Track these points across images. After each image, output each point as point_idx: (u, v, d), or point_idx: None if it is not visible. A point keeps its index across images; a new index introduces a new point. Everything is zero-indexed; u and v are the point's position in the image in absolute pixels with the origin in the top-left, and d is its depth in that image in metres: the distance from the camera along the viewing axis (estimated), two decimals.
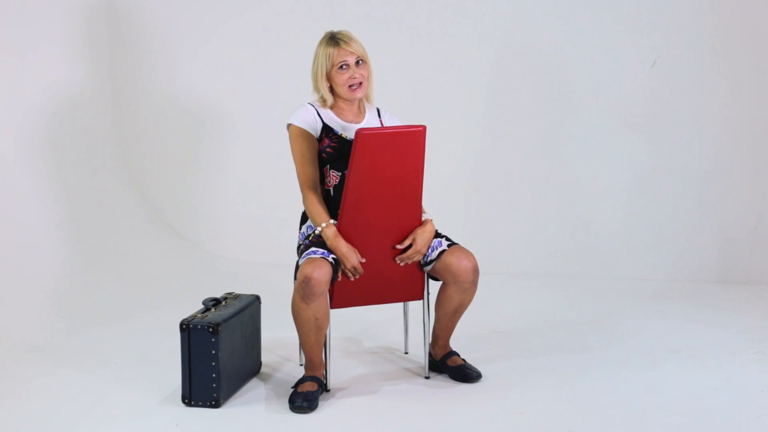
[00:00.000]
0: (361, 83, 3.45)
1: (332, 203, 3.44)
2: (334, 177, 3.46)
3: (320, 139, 3.48)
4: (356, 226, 3.32)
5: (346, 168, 3.41)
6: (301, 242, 3.52)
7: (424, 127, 3.27)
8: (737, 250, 5.06)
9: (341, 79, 3.43)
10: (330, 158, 3.46)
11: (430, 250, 3.43)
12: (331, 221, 3.35)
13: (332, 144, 3.45)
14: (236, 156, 5.60)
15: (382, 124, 3.58)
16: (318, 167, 3.48)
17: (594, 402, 3.28)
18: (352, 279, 3.35)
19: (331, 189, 3.46)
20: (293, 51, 5.39)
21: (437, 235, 3.47)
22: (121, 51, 5.58)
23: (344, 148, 3.43)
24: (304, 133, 3.46)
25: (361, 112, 3.56)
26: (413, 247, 3.37)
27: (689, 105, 5.11)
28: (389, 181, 3.28)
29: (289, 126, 3.49)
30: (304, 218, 3.55)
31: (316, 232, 3.37)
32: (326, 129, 3.48)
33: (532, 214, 5.34)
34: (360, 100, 3.55)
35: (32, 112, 4.91)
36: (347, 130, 3.48)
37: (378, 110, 3.63)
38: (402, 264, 3.40)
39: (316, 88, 3.50)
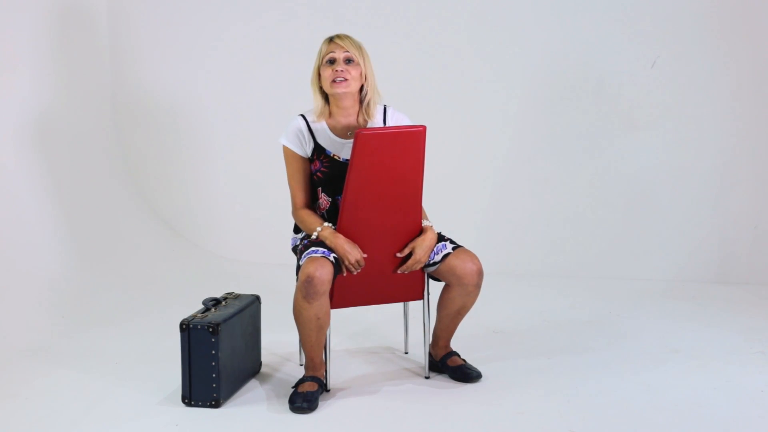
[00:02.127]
0: (346, 79, 3.35)
1: (333, 221, 3.39)
2: (325, 201, 3.43)
3: (312, 160, 3.44)
4: (356, 226, 3.31)
5: (338, 193, 3.36)
6: (297, 245, 3.51)
7: (424, 128, 3.27)
8: (737, 250, 5.06)
9: (326, 73, 3.37)
10: (321, 182, 3.42)
11: (433, 254, 3.41)
12: (326, 224, 3.35)
13: (323, 168, 3.40)
14: (236, 156, 5.60)
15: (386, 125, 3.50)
16: (309, 189, 3.46)
17: (594, 402, 3.28)
18: (355, 273, 3.33)
19: (324, 213, 3.44)
20: (294, 53, 5.39)
21: (441, 238, 3.46)
22: (121, 52, 5.58)
23: (336, 171, 3.38)
24: (295, 156, 3.43)
25: (358, 124, 3.45)
26: (413, 257, 3.36)
27: (689, 105, 5.11)
28: (389, 182, 3.27)
29: (282, 144, 3.45)
30: (297, 226, 3.54)
31: (313, 237, 3.36)
32: (318, 149, 3.42)
33: (532, 214, 5.34)
34: (359, 111, 3.46)
35: (31, 113, 4.91)
36: (341, 148, 3.41)
37: (385, 108, 3.53)
38: (404, 272, 3.39)
39: (313, 91, 3.45)
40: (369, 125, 3.47)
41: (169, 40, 5.58)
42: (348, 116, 3.45)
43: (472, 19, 5.31)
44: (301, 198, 3.45)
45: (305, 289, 3.19)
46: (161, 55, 5.59)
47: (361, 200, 3.28)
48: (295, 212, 3.46)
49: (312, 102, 3.48)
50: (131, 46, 5.59)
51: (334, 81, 3.35)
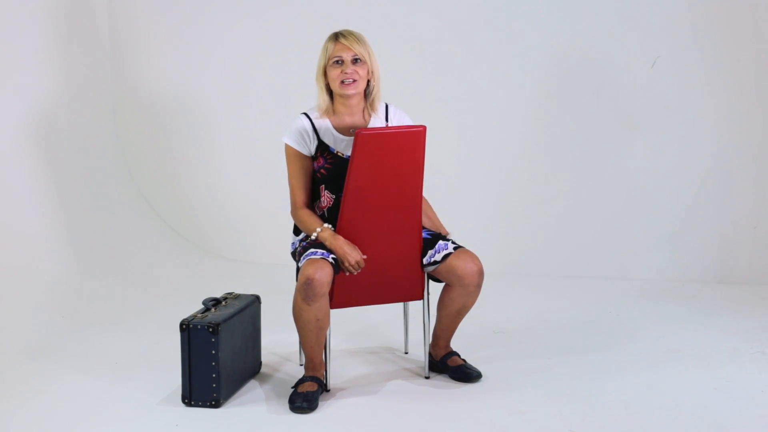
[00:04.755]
0: (355, 81, 3.36)
1: (333, 222, 3.39)
2: (328, 198, 3.41)
3: (315, 158, 3.43)
4: (356, 226, 3.31)
5: (341, 191, 3.34)
6: (296, 248, 3.50)
7: (424, 128, 3.27)
8: (737, 250, 5.06)
9: (334, 73, 3.35)
10: (324, 179, 3.41)
11: (434, 252, 3.41)
12: (326, 225, 3.34)
13: (327, 165, 3.40)
14: (237, 156, 5.60)
15: (387, 125, 3.49)
16: (310, 188, 3.45)
17: (594, 402, 3.28)
18: (356, 273, 3.33)
19: (325, 211, 3.43)
20: (295, 51, 5.40)
21: (443, 238, 3.46)
22: (121, 51, 5.58)
23: (340, 167, 3.37)
24: (298, 155, 3.41)
25: (364, 120, 3.46)
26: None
27: (689, 105, 5.11)
28: (389, 181, 3.27)
29: (285, 143, 3.44)
30: (297, 227, 3.54)
31: (312, 237, 3.36)
32: (321, 147, 3.41)
33: (531, 214, 5.34)
34: (364, 108, 3.46)
35: (32, 113, 4.91)
36: (345, 146, 3.40)
37: (387, 106, 3.53)
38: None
39: (319, 88, 3.42)
40: (372, 120, 3.47)
41: (170, 38, 5.58)
42: (353, 114, 3.45)
43: (473, 19, 5.31)
44: (301, 197, 3.44)
45: (305, 290, 3.19)
46: (162, 55, 5.59)
47: (361, 200, 3.27)
48: (294, 212, 3.45)
49: (314, 98, 3.47)
50: (132, 45, 5.59)
51: (342, 82, 3.35)
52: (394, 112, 3.52)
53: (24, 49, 4.88)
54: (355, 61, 3.36)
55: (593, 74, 5.20)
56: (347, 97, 3.39)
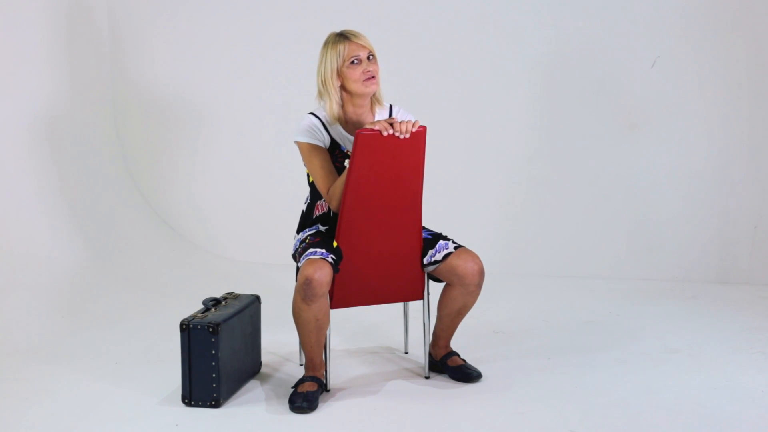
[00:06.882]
0: (374, 77, 3.35)
1: (335, 222, 3.40)
2: None
3: None
4: (356, 226, 3.31)
5: None
6: (297, 249, 3.50)
7: (425, 128, 3.27)
8: (737, 250, 5.06)
9: (354, 74, 3.33)
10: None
11: (434, 252, 3.42)
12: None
13: (336, 163, 3.40)
14: (237, 156, 5.60)
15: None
16: (336, 174, 3.39)
17: (594, 402, 3.28)
18: (407, 134, 3.19)
19: (328, 210, 3.44)
20: (295, 51, 5.40)
21: (443, 237, 3.47)
22: (121, 51, 5.58)
23: None
24: (315, 148, 3.37)
25: (372, 115, 3.46)
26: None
27: (689, 105, 5.11)
28: (389, 182, 3.27)
29: (297, 142, 3.40)
30: (302, 226, 3.54)
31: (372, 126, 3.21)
32: (333, 145, 3.41)
33: (531, 214, 5.34)
34: (372, 103, 3.46)
35: (32, 113, 4.91)
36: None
37: (390, 107, 3.53)
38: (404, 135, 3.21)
39: (322, 93, 3.39)
40: (378, 113, 3.47)
41: (170, 38, 5.58)
42: (360, 114, 3.44)
43: (473, 20, 5.31)
44: (331, 183, 3.35)
45: (304, 291, 3.20)
46: (161, 54, 5.59)
47: (361, 200, 3.27)
48: (329, 198, 3.34)
49: (314, 103, 3.46)
50: (132, 45, 5.59)
51: (364, 80, 3.34)
52: (397, 112, 3.52)
53: (24, 48, 4.88)
54: (369, 58, 3.36)
55: (593, 74, 5.21)
56: (366, 95, 3.38)
